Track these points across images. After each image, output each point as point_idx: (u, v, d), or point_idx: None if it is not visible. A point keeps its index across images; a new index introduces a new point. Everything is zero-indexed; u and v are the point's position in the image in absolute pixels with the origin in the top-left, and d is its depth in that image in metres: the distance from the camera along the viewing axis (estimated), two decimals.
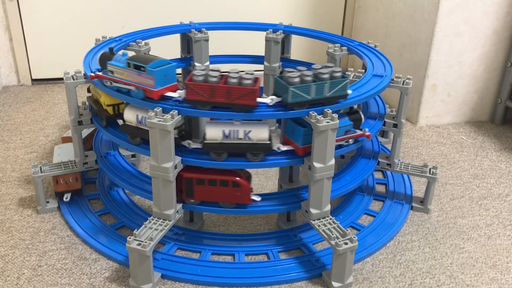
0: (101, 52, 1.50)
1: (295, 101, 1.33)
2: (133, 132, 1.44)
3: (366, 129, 1.50)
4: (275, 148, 1.42)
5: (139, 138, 1.44)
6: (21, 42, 2.64)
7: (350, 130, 1.46)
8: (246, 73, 1.33)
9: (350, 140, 1.47)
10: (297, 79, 1.33)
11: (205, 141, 1.38)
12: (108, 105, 1.52)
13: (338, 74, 1.37)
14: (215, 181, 1.41)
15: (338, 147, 1.45)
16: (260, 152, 1.38)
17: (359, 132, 1.49)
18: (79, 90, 1.74)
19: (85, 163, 1.66)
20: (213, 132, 1.37)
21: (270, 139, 1.38)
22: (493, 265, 1.51)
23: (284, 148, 1.43)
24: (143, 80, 1.34)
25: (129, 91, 1.38)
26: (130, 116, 1.43)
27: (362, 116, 1.52)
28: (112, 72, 1.41)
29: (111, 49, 1.48)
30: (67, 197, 1.68)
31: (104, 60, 1.45)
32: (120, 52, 1.48)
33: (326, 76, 1.35)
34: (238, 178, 1.41)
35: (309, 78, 1.34)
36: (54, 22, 2.64)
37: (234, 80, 1.31)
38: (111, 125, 1.54)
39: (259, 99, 1.32)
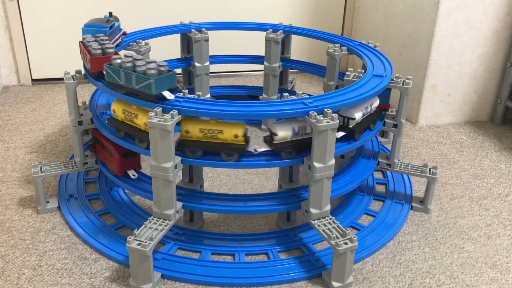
0: None
1: (109, 80, 1.40)
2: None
3: None
4: (250, 149, 1.44)
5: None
6: (21, 42, 2.64)
7: None
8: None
9: None
10: (125, 63, 1.34)
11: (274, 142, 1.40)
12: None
13: (152, 72, 1.31)
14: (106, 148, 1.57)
15: None
16: (234, 153, 1.41)
17: None
18: (79, 90, 1.74)
19: (85, 163, 1.66)
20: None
21: (245, 140, 1.42)
22: (493, 265, 1.51)
23: (260, 150, 1.45)
24: None
25: None
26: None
27: None
28: None
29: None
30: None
31: None
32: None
33: (139, 68, 1.33)
34: (113, 148, 1.53)
35: (128, 64, 1.35)
36: (54, 22, 2.64)
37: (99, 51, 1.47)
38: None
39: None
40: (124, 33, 1.81)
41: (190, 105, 1.35)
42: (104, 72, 1.41)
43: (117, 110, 1.47)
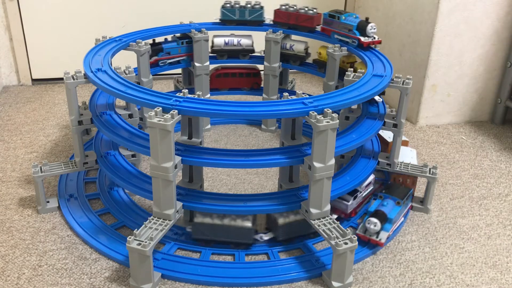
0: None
1: (224, 18, 2.06)
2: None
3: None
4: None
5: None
6: (21, 42, 2.64)
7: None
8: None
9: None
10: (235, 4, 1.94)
11: None
12: None
13: (257, 6, 2.06)
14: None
15: None
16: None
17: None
18: (79, 90, 1.74)
19: (85, 163, 1.66)
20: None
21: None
22: (493, 265, 1.51)
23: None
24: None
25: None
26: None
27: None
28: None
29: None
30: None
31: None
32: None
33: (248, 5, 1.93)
34: None
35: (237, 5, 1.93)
36: (54, 22, 2.64)
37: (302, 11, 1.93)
38: None
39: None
40: None
41: (190, 105, 1.35)
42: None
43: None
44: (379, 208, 1.55)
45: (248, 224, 1.48)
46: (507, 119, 2.45)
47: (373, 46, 1.87)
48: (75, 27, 2.67)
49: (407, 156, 1.82)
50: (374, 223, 1.50)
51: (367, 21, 1.83)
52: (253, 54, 2.22)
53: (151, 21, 2.36)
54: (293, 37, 2.18)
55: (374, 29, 1.84)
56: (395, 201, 1.59)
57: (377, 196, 1.63)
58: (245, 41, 2.19)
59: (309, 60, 2.21)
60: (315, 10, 2.04)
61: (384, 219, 1.53)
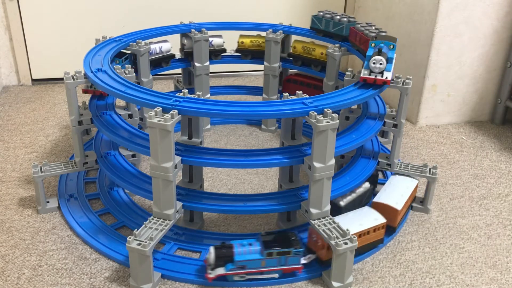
0: (214, 248, 1.37)
1: (313, 26, 2.03)
2: None
3: None
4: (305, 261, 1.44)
5: None
6: (21, 42, 2.64)
7: None
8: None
9: None
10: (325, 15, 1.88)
11: None
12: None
13: (344, 19, 1.94)
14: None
15: None
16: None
17: None
18: (79, 90, 1.74)
19: (85, 163, 1.66)
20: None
21: None
22: (493, 265, 1.51)
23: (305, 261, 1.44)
24: (288, 262, 1.40)
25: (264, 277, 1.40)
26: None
27: None
28: (243, 267, 1.36)
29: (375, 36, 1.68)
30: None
31: (224, 255, 1.37)
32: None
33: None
34: None
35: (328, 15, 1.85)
36: (54, 22, 2.64)
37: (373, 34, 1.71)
38: None
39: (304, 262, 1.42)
40: None
41: (190, 105, 1.35)
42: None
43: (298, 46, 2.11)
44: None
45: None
46: (507, 119, 2.45)
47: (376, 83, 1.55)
48: (75, 27, 2.67)
49: (401, 186, 1.66)
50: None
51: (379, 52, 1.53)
52: (224, 54, 2.21)
53: (151, 21, 2.36)
54: (210, 32, 2.10)
55: (381, 63, 1.52)
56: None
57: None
58: (216, 41, 2.15)
59: (230, 53, 2.22)
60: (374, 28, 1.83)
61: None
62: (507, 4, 2.24)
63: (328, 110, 1.34)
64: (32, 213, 1.67)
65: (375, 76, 1.51)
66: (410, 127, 2.38)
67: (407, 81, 1.60)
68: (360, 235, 1.44)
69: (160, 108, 1.31)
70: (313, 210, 1.43)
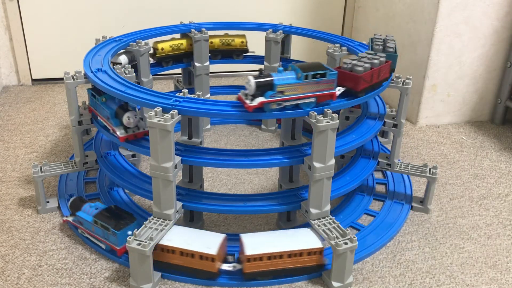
0: (253, 77, 1.32)
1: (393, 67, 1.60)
2: None
3: (123, 132, 1.46)
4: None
5: None
6: (21, 42, 2.64)
7: (109, 119, 1.50)
8: (374, 54, 1.51)
9: (110, 129, 1.51)
10: (361, 69, 1.44)
11: None
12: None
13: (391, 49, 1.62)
14: None
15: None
16: None
17: (115, 128, 1.47)
18: (79, 90, 1.74)
19: (85, 163, 1.66)
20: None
21: None
22: (493, 265, 1.51)
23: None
24: (322, 86, 1.36)
25: (298, 104, 1.36)
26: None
27: (123, 118, 1.46)
28: (282, 92, 1.33)
29: (260, 70, 1.41)
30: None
31: (264, 84, 1.32)
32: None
33: (376, 62, 1.49)
34: None
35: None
36: (54, 22, 2.64)
37: (377, 61, 1.46)
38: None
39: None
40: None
41: (190, 105, 1.35)
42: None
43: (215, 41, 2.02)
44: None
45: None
46: (507, 119, 2.45)
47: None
48: (75, 27, 2.67)
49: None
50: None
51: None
52: (253, 54, 2.21)
53: (151, 21, 2.36)
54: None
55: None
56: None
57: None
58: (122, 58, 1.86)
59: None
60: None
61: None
62: (507, 4, 2.24)
63: (328, 110, 1.34)
64: (32, 213, 1.67)
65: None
66: (410, 127, 2.38)
67: (407, 81, 1.60)
68: (289, 255, 1.36)
69: (160, 108, 1.31)
70: (313, 210, 1.43)
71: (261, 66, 2.17)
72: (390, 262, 1.50)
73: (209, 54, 2.12)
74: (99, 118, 1.55)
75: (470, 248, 1.58)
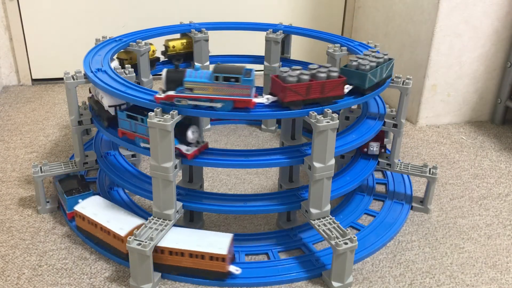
0: (166, 70, 1.34)
1: (369, 85, 1.44)
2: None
3: (190, 150, 1.39)
4: None
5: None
6: (21, 42, 2.64)
7: None
8: (326, 67, 1.40)
9: None
10: (367, 66, 1.42)
11: None
12: (110, 106, 1.51)
13: (382, 60, 1.52)
14: None
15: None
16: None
17: (178, 146, 1.38)
18: (79, 90, 1.74)
19: (85, 163, 1.66)
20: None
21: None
22: (493, 265, 1.51)
23: None
24: (236, 91, 1.30)
25: (212, 106, 1.32)
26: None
27: (188, 134, 1.38)
28: (191, 89, 1.31)
29: (176, 65, 1.43)
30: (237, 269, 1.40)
31: (175, 79, 1.33)
32: (192, 68, 1.39)
33: (381, 60, 1.48)
34: None
35: (373, 64, 1.44)
36: (54, 22, 2.64)
37: (324, 75, 1.36)
38: (112, 125, 1.54)
39: (255, 100, 1.33)
40: None
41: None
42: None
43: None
44: None
45: None
46: (507, 119, 2.45)
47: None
48: (75, 27, 2.67)
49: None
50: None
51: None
52: (253, 54, 2.21)
53: (151, 21, 2.36)
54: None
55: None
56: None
57: None
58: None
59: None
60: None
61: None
62: (507, 4, 2.24)
63: (328, 110, 1.34)
64: (32, 213, 1.67)
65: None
66: (410, 127, 2.38)
67: (407, 81, 1.60)
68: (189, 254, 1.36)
69: (160, 108, 1.31)
70: (313, 210, 1.43)
71: (261, 66, 2.17)
72: (390, 262, 1.50)
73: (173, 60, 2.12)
74: (137, 139, 1.43)
75: (470, 248, 1.58)
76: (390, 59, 1.52)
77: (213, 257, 1.35)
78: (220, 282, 1.38)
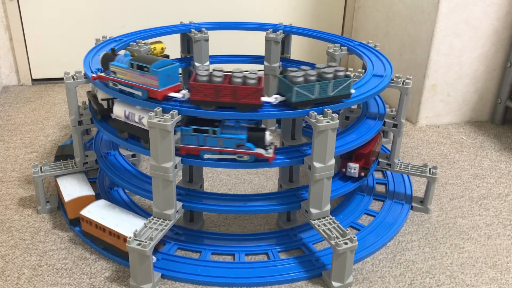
0: (103, 53, 1.48)
1: (299, 100, 1.33)
2: (120, 127, 1.47)
3: (270, 152, 1.38)
4: None
5: (127, 133, 1.47)
6: (21, 42, 2.64)
7: (244, 145, 1.36)
8: (250, 73, 1.34)
9: (245, 156, 1.37)
10: (301, 79, 1.33)
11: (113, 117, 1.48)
12: (102, 99, 1.53)
13: (342, 73, 1.37)
14: None
15: (231, 160, 1.39)
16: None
17: (258, 150, 1.37)
18: (79, 90, 1.74)
19: (85, 163, 1.66)
20: (118, 110, 1.46)
21: None
22: (493, 265, 1.51)
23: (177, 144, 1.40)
24: (147, 80, 1.33)
25: (133, 93, 1.37)
26: (119, 111, 1.45)
27: (266, 137, 1.38)
28: (114, 73, 1.39)
29: (113, 50, 1.47)
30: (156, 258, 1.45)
31: (106, 60, 1.44)
32: (122, 52, 1.47)
33: (330, 75, 1.35)
34: None
35: (313, 78, 1.34)
36: (54, 22, 2.64)
37: (239, 80, 1.31)
38: (105, 119, 1.56)
39: (263, 98, 1.33)
40: None
41: (190, 105, 1.35)
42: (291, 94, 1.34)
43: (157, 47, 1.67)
44: None
45: None
46: (507, 119, 2.45)
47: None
48: (75, 27, 2.67)
49: None
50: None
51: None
52: (253, 54, 2.21)
53: (151, 21, 2.36)
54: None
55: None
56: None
57: None
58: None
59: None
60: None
61: None
62: (507, 4, 2.24)
63: (328, 110, 1.34)
64: (32, 213, 1.67)
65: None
66: (410, 127, 2.38)
67: (407, 81, 1.60)
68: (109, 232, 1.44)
69: (160, 108, 1.31)
70: (313, 210, 1.43)
71: (261, 66, 2.17)
72: (390, 262, 1.50)
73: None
74: (202, 152, 1.38)
75: (470, 248, 1.58)
76: (347, 76, 1.38)
77: (120, 236, 1.41)
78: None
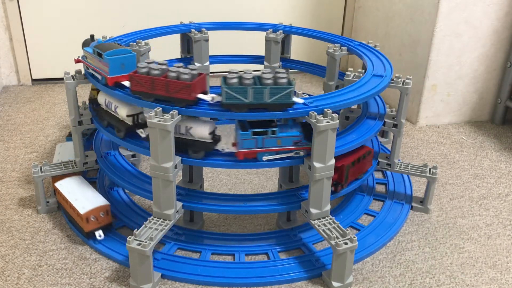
0: (85, 39, 1.60)
1: (230, 102, 1.31)
2: (102, 115, 1.53)
3: None
4: (219, 148, 1.43)
5: (106, 121, 1.52)
6: (21, 42, 2.64)
7: (301, 141, 1.38)
8: (187, 68, 1.34)
9: (301, 152, 1.39)
10: (234, 80, 1.31)
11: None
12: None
13: (283, 81, 1.31)
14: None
15: (287, 158, 1.40)
16: (200, 150, 1.40)
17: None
18: (79, 90, 1.74)
19: (85, 163, 1.66)
20: (100, 97, 1.52)
21: (213, 138, 1.40)
22: (493, 265, 1.51)
23: (228, 149, 1.43)
24: (102, 66, 1.42)
25: (96, 77, 1.47)
26: (101, 99, 1.52)
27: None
28: (86, 57, 1.51)
29: (92, 36, 1.58)
30: (100, 235, 1.50)
31: (84, 46, 1.55)
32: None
33: (268, 81, 1.31)
34: None
35: (248, 81, 1.31)
36: (54, 22, 2.64)
37: (173, 74, 1.33)
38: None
39: (201, 96, 1.34)
40: None
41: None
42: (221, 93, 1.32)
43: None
44: None
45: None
46: (507, 119, 2.45)
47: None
48: (75, 27, 2.67)
49: None
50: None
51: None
52: (253, 54, 2.21)
53: (151, 21, 2.36)
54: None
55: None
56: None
57: None
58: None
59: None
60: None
61: None
62: (507, 4, 2.24)
63: (328, 110, 1.34)
64: (32, 213, 1.67)
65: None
66: (410, 127, 2.38)
67: (407, 81, 1.60)
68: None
69: (160, 108, 1.31)
70: (313, 210, 1.43)
71: (261, 66, 2.17)
72: (390, 262, 1.50)
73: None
74: (259, 154, 1.38)
75: (470, 248, 1.58)
76: (289, 84, 1.30)
77: (75, 209, 1.51)
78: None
